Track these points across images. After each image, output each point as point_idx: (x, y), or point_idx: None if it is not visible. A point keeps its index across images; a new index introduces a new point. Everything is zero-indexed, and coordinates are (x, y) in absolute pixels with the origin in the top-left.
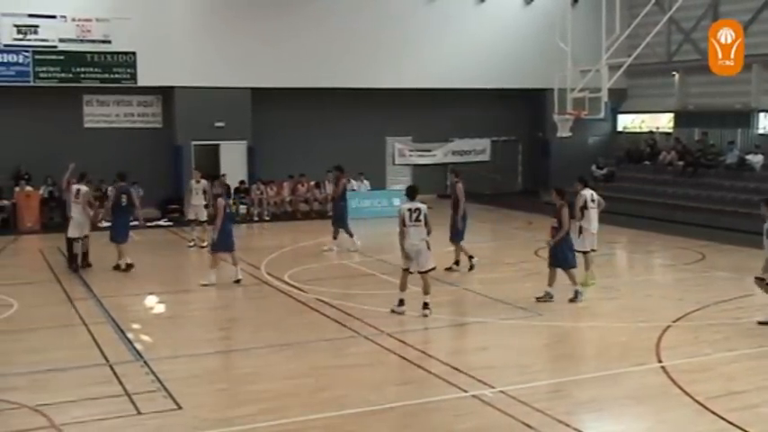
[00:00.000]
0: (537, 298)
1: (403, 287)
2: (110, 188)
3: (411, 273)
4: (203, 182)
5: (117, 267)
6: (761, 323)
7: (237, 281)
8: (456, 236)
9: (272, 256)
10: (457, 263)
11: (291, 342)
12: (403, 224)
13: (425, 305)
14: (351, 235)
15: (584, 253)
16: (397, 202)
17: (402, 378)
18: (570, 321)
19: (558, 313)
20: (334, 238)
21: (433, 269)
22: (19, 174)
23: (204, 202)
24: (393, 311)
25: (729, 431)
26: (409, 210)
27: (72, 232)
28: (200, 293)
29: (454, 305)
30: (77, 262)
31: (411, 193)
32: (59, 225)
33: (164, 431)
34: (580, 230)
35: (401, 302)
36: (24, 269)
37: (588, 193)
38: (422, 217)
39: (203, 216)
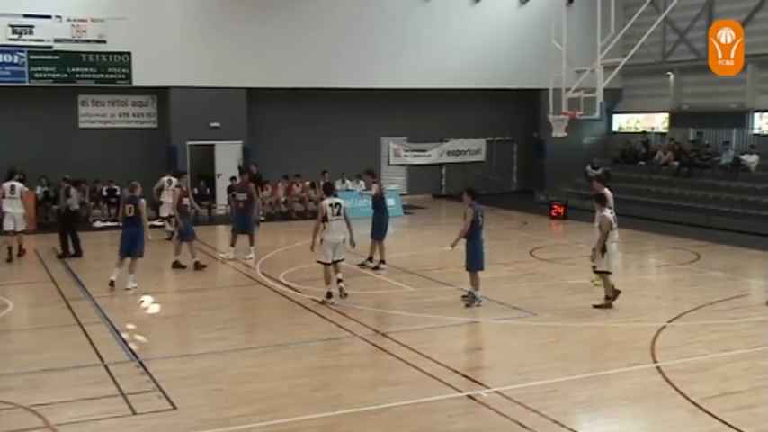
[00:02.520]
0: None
1: (328, 280)
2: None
3: (329, 264)
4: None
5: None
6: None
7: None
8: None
9: (268, 256)
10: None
11: (287, 342)
12: (325, 219)
13: (342, 291)
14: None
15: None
16: (392, 202)
17: (397, 378)
18: (565, 321)
19: (553, 313)
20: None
21: (343, 259)
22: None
23: (170, 200)
24: (323, 302)
25: (725, 431)
26: (330, 205)
27: None
28: (195, 294)
29: (449, 305)
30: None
31: (329, 190)
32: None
33: (159, 431)
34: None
35: (329, 295)
36: (19, 269)
37: (609, 191)
38: (342, 212)
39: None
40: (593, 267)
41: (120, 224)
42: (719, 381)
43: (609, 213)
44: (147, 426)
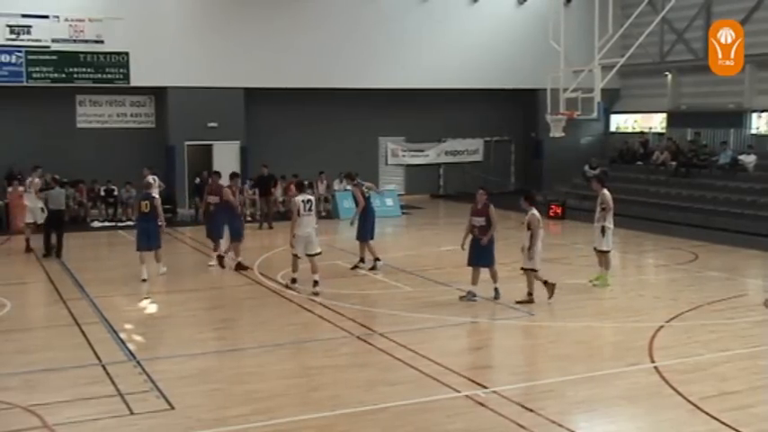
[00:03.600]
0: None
1: (295, 269)
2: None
3: (300, 257)
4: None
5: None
6: (519, 302)
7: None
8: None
9: (265, 256)
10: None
11: (284, 342)
12: (297, 214)
13: (315, 283)
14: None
15: (607, 252)
16: (390, 202)
17: (394, 378)
18: (563, 321)
19: (550, 313)
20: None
21: (320, 253)
22: (12, 174)
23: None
24: (287, 287)
25: (723, 431)
26: (303, 201)
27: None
28: (192, 294)
29: (447, 305)
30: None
31: (302, 187)
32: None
33: (156, 431)
34: (603, 230)
35: (294, 281)
36: (17, 269)
37: (608, 192)
38: (313, 207)
39: None
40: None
41: (135, 221)
42: (717, 381)
43: (536, 212)
44: (145, 425)
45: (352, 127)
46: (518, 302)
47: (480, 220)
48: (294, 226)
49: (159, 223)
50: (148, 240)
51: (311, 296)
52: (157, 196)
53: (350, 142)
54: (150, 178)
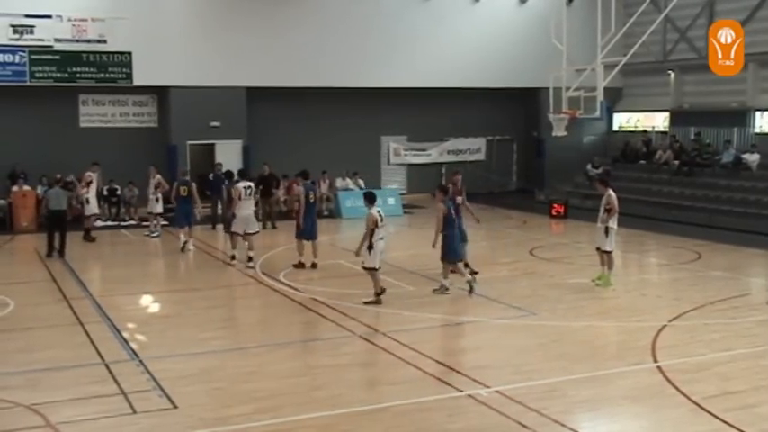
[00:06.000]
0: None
1: (234, 246)
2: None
3: (240, 235)
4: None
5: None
6: (369, 302)
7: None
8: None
9: (267, 255)
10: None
11: (286, 341)
12: (239, 198)
13: (250, 258)
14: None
15: (609, 253)
16: (392, 201)
17: (396, 377)
18: (565, 321)
19: (553, 313)
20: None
21: (257, 232)
22: (15, 173)
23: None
24: (228, 264)
25: (725, 431)
26: (244, 187)
27: None
28: (195, 293)
29: (449, 304)
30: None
31: (244, 175)
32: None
33: (159, 430)
34: (607, 231)
35: (233, 258)
36: (20, 268)
37: (614, 193)
38: (251, 192)
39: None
40: (362, 264)
41: (174, 203)
42: (720, 380)
43: (375, 211)
44: (147, 424)
45: (354, 126)
46: (365, 302)
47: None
48: (233, 207)
49: (194, 206)
50: (186, 219)
51: (246, 268)
52: (194, 183)
53: (352, 141)
54: (159, 177)
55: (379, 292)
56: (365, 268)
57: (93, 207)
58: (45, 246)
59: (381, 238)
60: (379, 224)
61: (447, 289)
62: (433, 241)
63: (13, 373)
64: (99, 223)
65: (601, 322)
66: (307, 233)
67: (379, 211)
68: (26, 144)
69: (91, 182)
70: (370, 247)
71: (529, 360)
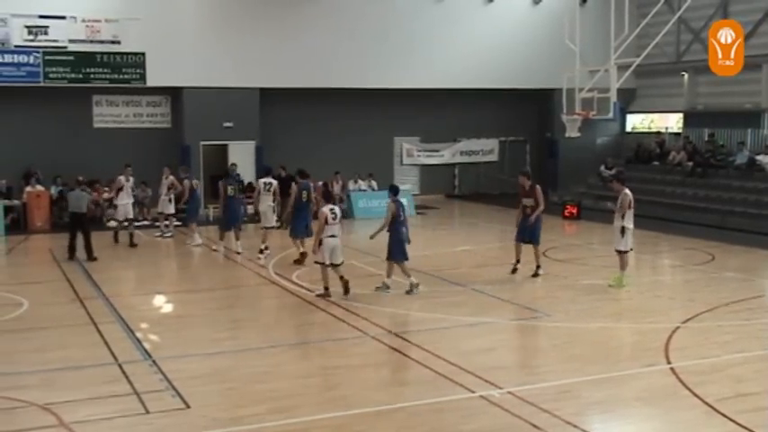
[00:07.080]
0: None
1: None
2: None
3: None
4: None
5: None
6: (318, 295)
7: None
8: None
9: (280, 256)
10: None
11: (299, 342)
12: (258, 193)
13: (261, 251)
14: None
15: (626, 252)
16: (404, 201)
17: (409, 378)
18: (578, 322)
19: (565, 314)
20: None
21: (273, 227)
22: (29, 173)
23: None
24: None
25: None
26: (264, 183)
27: None
28: (207, 293)
29: (462, 305)
30: None
31: (269, 172)
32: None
33: (172, 430)
34: (623, 230)
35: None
36: (34, 268)
37: (630, 192)
38: (270, 189)
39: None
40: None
41: (223, 202)
42: (733, 382)
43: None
44: (161, 424)
45: (368, 127)
46: (317, 295)
47: (530, 201)
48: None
49: (243, 204)
50: (236, 218)
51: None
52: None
53: (365, 142)
54: (173, 178)
55: (328, 287)
56: (317, 263)
57: (122, 211)
58: (65, 248)
59: (332, 236)
60: (330, 221)
61: (389, 288)
62: (373, 234)
63: (26, 373)
64: (113, 223)
65: (614, 324)
66: (301, 232)
67: (332, 209)
68: (40, 145)
69: (122, 188)
70: (320, 244)
71: (542, 361)
